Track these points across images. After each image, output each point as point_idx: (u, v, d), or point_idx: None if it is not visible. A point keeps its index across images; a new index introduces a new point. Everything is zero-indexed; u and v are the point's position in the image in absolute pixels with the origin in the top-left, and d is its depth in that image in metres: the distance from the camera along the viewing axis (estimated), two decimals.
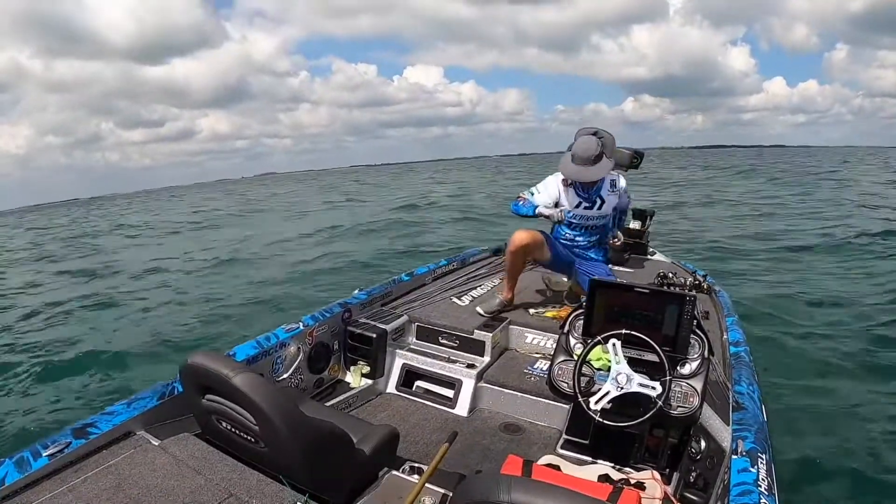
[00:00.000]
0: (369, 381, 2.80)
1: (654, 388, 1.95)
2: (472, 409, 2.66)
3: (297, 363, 2.53)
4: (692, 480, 1.92)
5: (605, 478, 1.86)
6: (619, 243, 3.26)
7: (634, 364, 2.03)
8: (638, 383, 1.97)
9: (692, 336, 2.14)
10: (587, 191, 3.17)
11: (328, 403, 2.47)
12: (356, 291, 3.10)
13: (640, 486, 1.78)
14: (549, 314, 3.17)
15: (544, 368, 2.75)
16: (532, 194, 3.24)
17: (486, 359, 2.89)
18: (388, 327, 2.88)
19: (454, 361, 2.86)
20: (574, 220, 3.26)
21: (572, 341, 2.32)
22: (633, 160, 3.95)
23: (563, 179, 3.20)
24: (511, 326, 3.12)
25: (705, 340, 2.15)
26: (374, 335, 2.80)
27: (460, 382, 2.75)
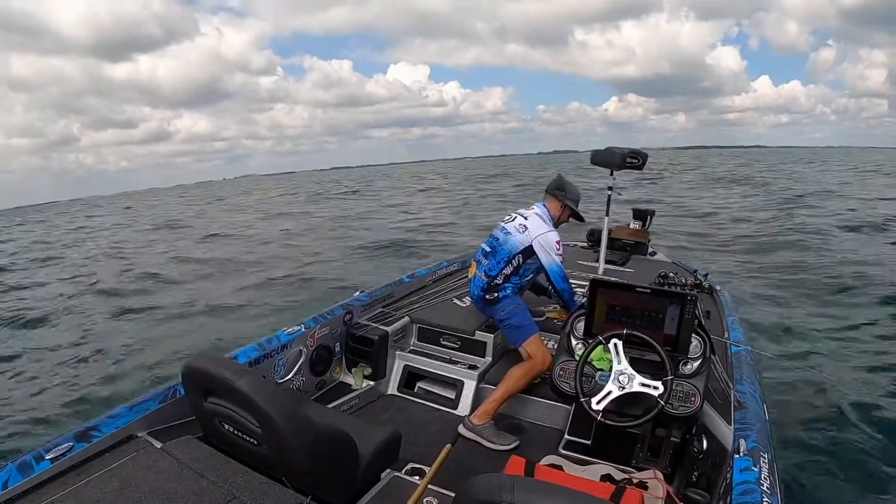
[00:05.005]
0: (371, 383, 2.80)
1: (655, 387, 1.95)
2: (474, 410, 2.66)
3: (298, 365, 2.53)
4: (694, 479, 1.92)
5: (607, 477, 1.86)
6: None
7: (636, 364, 2.03)
8: (640, 383, 1.97)
9: (693, 335, 2.14)
10: None
11: (330, 405, 2.47)
12: (357, 293, 3.09)
13: (643, 485, 1.78)
14: (550, 315, 3.17)
15: None
16: None
17: (488, 360, 2.89)
18: (390, 329, 2.88)
19: (456, 362, 2.86)
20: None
21: (574, 342, 2.32)
22: (630, 161, 3.79)
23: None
24: None
25: (707, 340, 2.15)
26: (376, 337, 2.80)
27: (462, 383, 2.76)
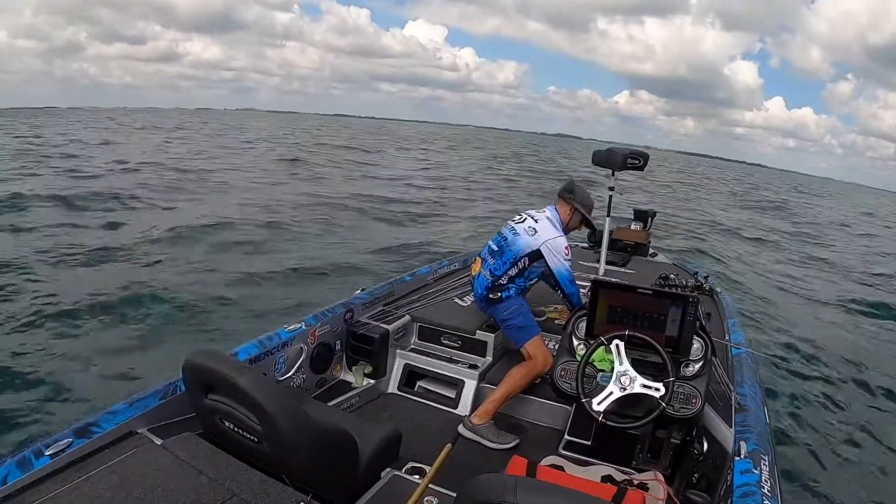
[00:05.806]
0: (371, 381, 2.79)
1: (657, 389, 1.95)
2: (474, 410, 2.66)
3: (299, 363, 2.53)
4: (695, 481, 1.92)
5: (608, 478, 1.85)
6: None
7: (637, 365, 2.02)
8: (641, 384, 1.97)
9: (695, 337, 2.14)
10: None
11: (330, 403, 2.47)
12: (358, 291, 3.09)
13: (644, 486, 1.77)
14: (551, 315, 3.17)
15: None
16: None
17: (489, 359, 2.88)
18: (391, 327, 2.87)
19: (456, 362, 2.85)
20: None
21: (575, 342, 2.32)
22: (631, 161, 3.73)
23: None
24: None
25: (708, 342, 2.15)
26: (377, 335, 2.80)
27: (462, 383, 2.75)
